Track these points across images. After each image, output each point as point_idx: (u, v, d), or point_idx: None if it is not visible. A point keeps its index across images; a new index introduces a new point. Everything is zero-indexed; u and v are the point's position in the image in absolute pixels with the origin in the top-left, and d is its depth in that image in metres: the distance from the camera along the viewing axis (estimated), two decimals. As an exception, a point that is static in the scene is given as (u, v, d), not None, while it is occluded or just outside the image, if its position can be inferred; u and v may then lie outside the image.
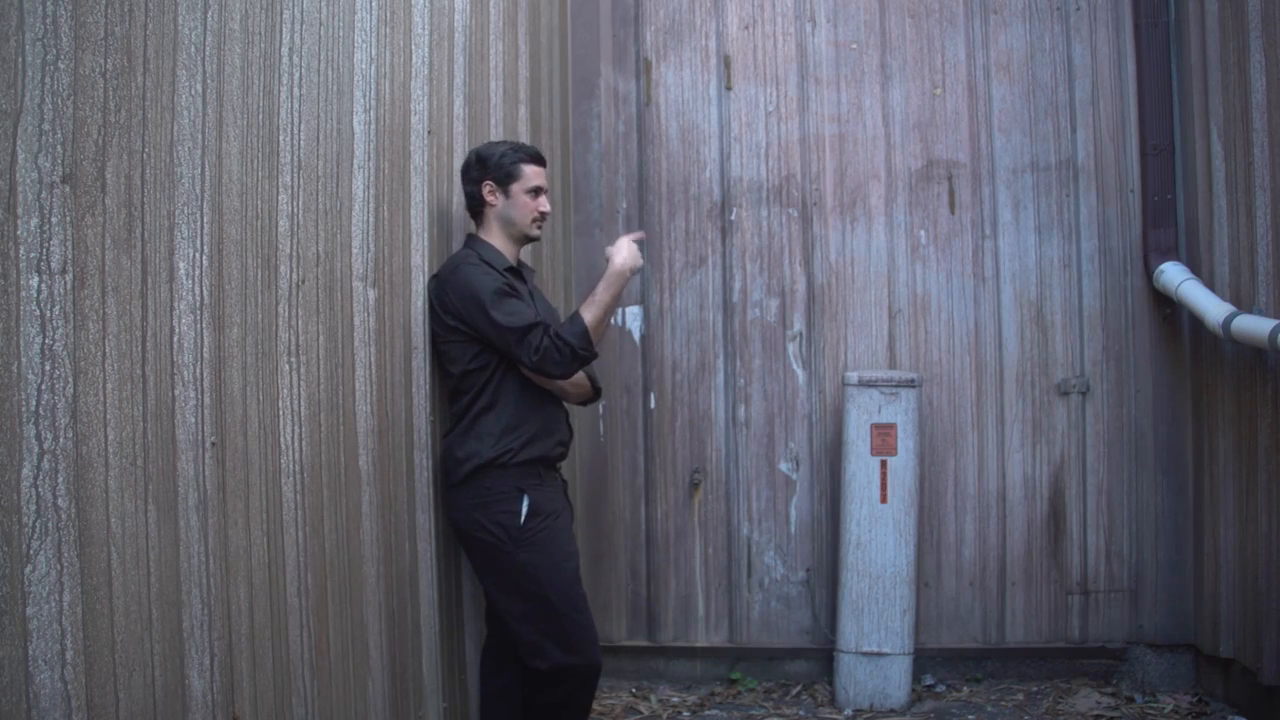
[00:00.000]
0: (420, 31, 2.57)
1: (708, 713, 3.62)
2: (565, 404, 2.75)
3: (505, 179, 2.66)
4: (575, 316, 2.58)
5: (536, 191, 2.68)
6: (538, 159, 2.71)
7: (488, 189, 2.67)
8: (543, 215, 2.71)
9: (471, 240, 2.70)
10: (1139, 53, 3.77)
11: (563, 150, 3.91)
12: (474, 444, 2.54)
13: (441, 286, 2.58)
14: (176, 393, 1.58)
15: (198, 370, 1.64)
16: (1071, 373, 3.81)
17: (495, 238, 2.68)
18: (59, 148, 1.33)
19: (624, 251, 2.65)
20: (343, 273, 2.16)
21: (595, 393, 2.79)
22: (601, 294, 2.60)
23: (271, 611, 1.85)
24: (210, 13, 1.68)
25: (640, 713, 3.63)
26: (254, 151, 1.82)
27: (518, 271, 2.70)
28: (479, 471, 2.53)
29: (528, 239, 2.73)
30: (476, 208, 2.70)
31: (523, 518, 2.52)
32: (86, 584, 1.36)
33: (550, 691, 2.57)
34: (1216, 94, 3.42)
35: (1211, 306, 3.27)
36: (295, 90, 1.97)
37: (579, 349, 2.51)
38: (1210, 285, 3.45)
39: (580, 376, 2.70)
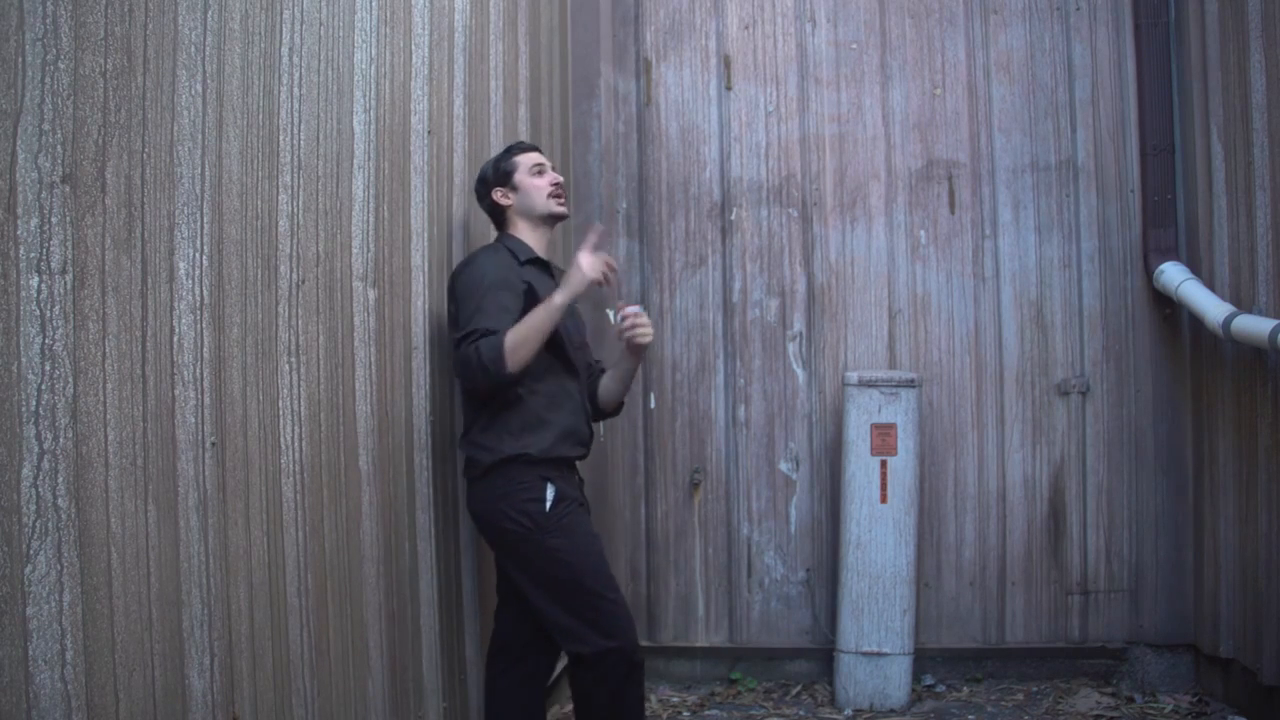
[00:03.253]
0: (420, 31, 2.57)
1: (708, 713, 3.62)
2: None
3: (506, 177, 2.69)
4: (500, 333, 2.40)
5: (539, 171, 2.69)
6: (527, 147, 2.74)
7: (499, 194, 2.69)
8: (557, 186, 2.69)
9: (500, 236, 2.72)
10: (1139, 53, 3.77)
11: (563, 150, 3.91)
12: (494, 440, 2.51)
13: (454, 273, 2.60)
14: (176, 393, 1.58)
15: (198, 370, 1.64)
16: (1071, 373, 3.81)
17: (525, 235, 2.68)
18: (59, 148, 1.33)
19: (582, 266, 2.47)
20: (343, 273, 2.16)
21: (616, 408, 2.86)
22: (537, 313, 2.44)
23: (271, 611, 1.85)
24: (210, 13, 1.68)
25: (640, 713, 3.62)
26: (254, 151, 1.82)
27: (544, 264, 2.67)
28: (501, 464, 2.50)
29: (553, 216, 2.69)
30: (499, 217, 2.72)
31: (549, 504, 2.49)
32: (86, 584, 1.36)
33: (596, 682, 2.50)
34: (1216, 94, 3.42)
35: (1211, 306, 3.27)
36: (295, 90, 1.97)
37: (488, 366, 2.37)
38: (1210, 285, 3.45)
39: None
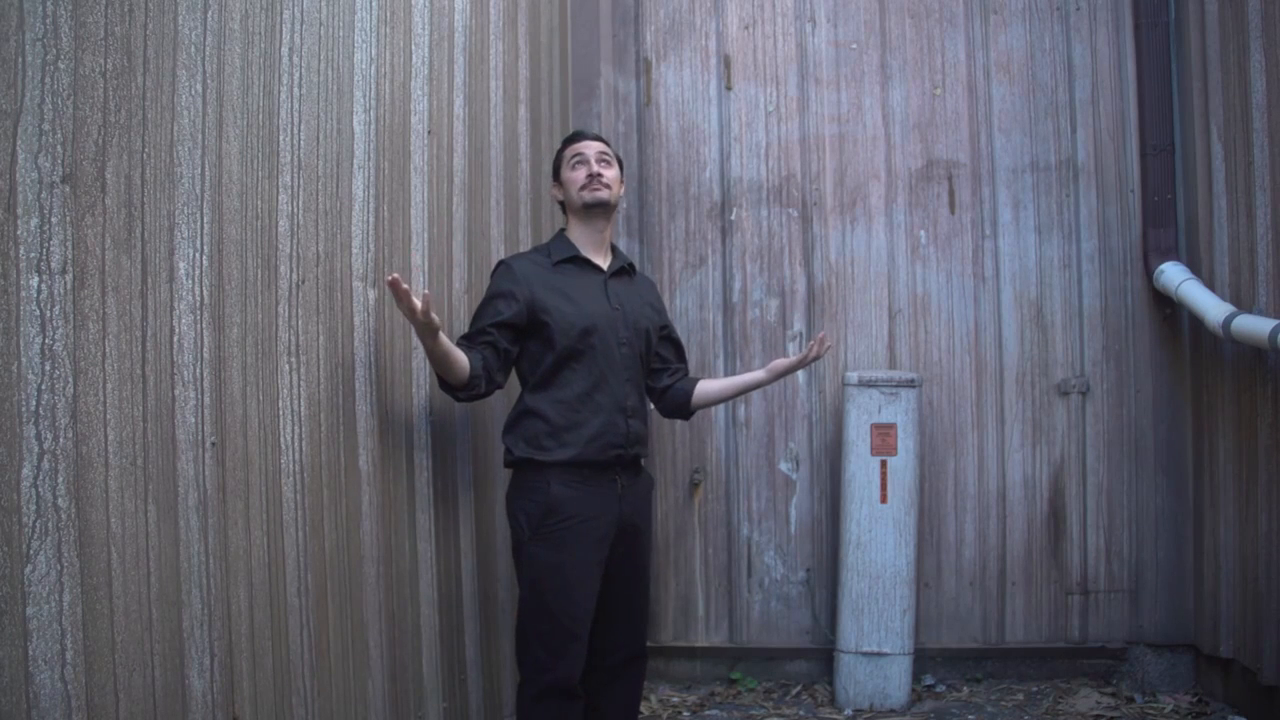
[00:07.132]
0: (420, 31, 2.57)
1: (708, 713, 3.62)
2: (634, 409, 2.64)
3: (556, 172, 2.72)
4: None
5: (577, 162, 2.65)
6: (576, 137, 2.72)
7: (554, 189, 2.74)
8: (590, 178, 2.61)
9: (558, 232, 2.75)
10: (1139, 53, 3.77)
11: (563, 150, 3.90)
12: (512, 442, 2.55)
13: None
14: (176, 393, 1.58)
15: (198, 370, 1.64)
16: (1071, 373, 3.81)
17: (573, 229, 2.69)
18: (59, 148, 1.33)
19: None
20: (343, 273, 2.16)
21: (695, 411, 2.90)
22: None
23: (271, 611, 1.85)
24: (210, 13, 1.68)
25: (640, 713, 3.62)
26: (254, 151, 1.82)
27: (586, 262, 2.64)
28: (519, 463, 2.54)
29: (589, 207, 2.62)
30: (564, 211, 2.74)
31: (546, 511, 2.47)
32: (86, 584, 1.36)
33: (532, 702, 2.47)
34: (1216, 94, 3.42)
35: (1211, 306, 3.27)
36: (295, 90, 1.97)
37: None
38: (1210, 285, 3.45)
39: None
